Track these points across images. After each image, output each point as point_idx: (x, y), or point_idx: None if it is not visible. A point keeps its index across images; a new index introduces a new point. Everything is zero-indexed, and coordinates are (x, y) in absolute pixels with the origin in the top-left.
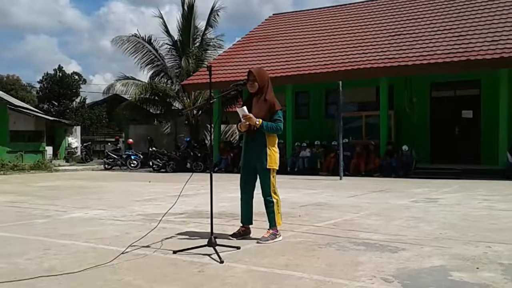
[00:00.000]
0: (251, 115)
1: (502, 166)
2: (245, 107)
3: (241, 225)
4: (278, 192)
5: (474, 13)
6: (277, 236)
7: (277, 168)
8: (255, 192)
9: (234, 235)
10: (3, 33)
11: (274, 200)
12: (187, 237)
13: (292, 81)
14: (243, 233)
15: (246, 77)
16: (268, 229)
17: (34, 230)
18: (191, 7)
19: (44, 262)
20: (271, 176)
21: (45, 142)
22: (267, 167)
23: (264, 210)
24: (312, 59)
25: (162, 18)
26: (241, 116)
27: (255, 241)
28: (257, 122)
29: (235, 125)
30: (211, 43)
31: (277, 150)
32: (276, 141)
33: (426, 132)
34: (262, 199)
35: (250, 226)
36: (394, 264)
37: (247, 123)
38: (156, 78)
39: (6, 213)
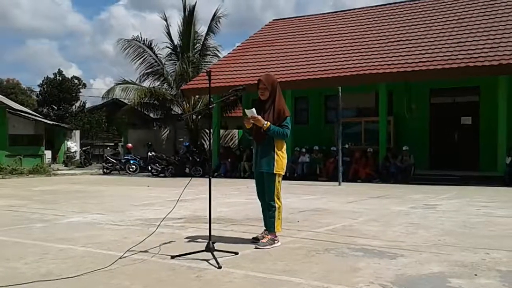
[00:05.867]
0: (259, 117)
1: (501, 173)
2: (254, 109)
3: (264, 229)
4: (282, 199)
5: (473, 20)
6: (276, 241)
7: (283, 173)
8: (255, 197)
9: (256, 239)
10: (4, 37)
11: (277, 206)
12: (185, 242)
13: (292, 87)
14: (261, 238)
15: (254, 82)
16: (267, 234)
17: (32, 235)
18: (191, 12)
19: (41, 267)
20: (277, 181)
21: (44, 146)
22: (274, 171)
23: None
24: (312, 65)
25: (165, 20)
26: (248, 115)
27: (253, 246)
28: (265, 124)
29: (234, 130)
30: (210, 50)
31: (285, 155)
32: (285, 147)
33: (425, 138)
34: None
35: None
36: (392, 270)
37: (251, 120)
38: (156, 83)
39: (4, 217)
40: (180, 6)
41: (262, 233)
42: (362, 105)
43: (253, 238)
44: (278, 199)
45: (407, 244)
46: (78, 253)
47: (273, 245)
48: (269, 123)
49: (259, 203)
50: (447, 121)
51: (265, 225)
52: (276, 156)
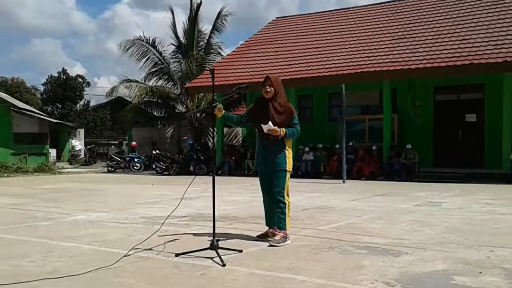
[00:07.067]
0: (276, 128)
1: (505, 170)
2: (270, 123)
3: (268, 227)
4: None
5: (478, 17)
6: (287, 239)
7: (291, 171)
8: (259, 194)
9: (261, 237)
10: (8, 36)
11: (286, 202)
12: (189, 240)
13: (295, 84)
14: (271, 235)
15: (257, 80)
16: (279, 232)
17: (37, 233)
18: (196, 11)
19: (47, 265)
20: (287, 179)
21: (49, 144)
22: (286, 168)
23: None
24: (316, 62)
25: (173, 16)
26: (265, 130)
27: (257, 244)
28: (282, 133)
29: (238, 128)
30: (213, 48)
31: (291, 152)
32: (291, 144)
33: (430, 135)
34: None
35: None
36: (396, 268)
37: (265, 131)
38: (160, 81)
39: (9, 215)
40: (184, 4)
41: (267, 231)
42: (366, 103)
43: (257, 236)
44: (287, 195)
45: (411, 241)
46: (83, 251)
47: (286, 242)
48: (284, 130)
49: (262, 201)
50: (451, 118)
51: (272, 223)
52: (287, 153)
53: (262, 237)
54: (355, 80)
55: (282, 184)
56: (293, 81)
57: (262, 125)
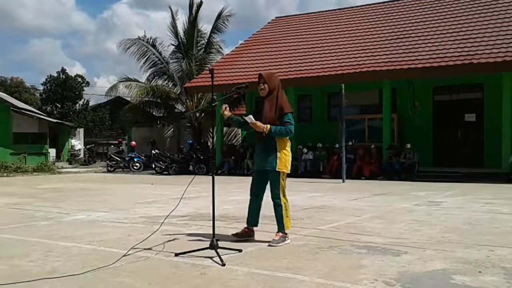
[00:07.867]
0: (258, 122)
1: (505, 169)
2: (251, 116)
3: (245, 226)
4: (287, 196)
5: (477, 16)
6: (286, 239)
7: (288, 171)
8: (264, 195)
9: (237, 235)
10: (8, 36)
11: (282, 204)
12: (189, 239)
13: (295, 84)
14: (246, 235)
15: (256, 80)
16: (277, 232)
17: (37, 232)
18: (196, 10)
19: (46, 264)
20: (281, 179)
21: (48, 144)
22: (277, 169)
23: (269, 213)
24: (315, 62)
25: (173, 17)
26: (249, 123)
27: (257, 243)
28: (265, 129)
29: (237, 128)
30: (214, 47)
31: (288, 153)
32: (288, 144)
33: (429, 135)
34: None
35: (255, 228)
36: (396, 267)
37: (250, 125)
38: (160, 81)
39: (8, 215)
40: (184, 4)
41: (243, 229)
42: (365, 103)
43: (232, 234)
44: (284, 196)
45: (411, 241)
46: (82, 250)
47: (285, 242)
48: (268, 126)
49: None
50: (450, 118)
51: (252, 223)
52: (278, 154)
53: (239, 236)
54: (354, 79)
55: (276, 185)
56: (292, 80)
57: (244, 117)
